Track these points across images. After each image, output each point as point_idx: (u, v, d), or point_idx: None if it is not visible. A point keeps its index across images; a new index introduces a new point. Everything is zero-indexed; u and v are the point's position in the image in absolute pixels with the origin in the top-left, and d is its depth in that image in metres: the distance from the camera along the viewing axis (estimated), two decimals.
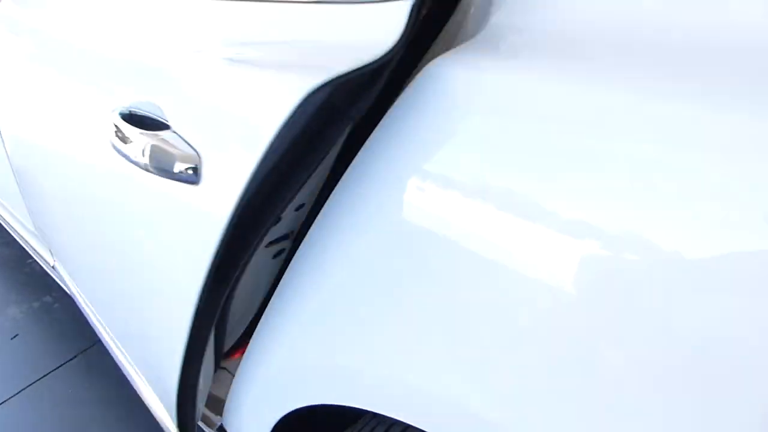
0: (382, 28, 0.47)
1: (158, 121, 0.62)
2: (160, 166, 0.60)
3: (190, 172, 0.57)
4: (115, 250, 0.81)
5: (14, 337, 1.60)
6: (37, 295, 1.80)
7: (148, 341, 0.84)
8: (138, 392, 1.04)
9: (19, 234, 1.60)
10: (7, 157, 1.30)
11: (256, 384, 0.74)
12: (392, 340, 0.50)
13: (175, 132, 0.58)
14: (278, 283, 0.64)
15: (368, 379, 0.54)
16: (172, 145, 0.58)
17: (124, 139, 0.65)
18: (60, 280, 1.43)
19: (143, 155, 0.61)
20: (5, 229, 1.90)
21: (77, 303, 1.31)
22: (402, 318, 0.49)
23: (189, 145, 0.57)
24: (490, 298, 0.42)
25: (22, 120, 1.05)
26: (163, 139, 0.59)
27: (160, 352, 0.80)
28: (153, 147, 0.59)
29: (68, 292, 1.40)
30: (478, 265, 0.42)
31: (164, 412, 0.94)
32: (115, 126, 0.66)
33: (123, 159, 0.66)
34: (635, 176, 0.35)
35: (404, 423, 0.58)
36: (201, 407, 0.83)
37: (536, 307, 0.39)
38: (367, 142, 0.50)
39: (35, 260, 1.95)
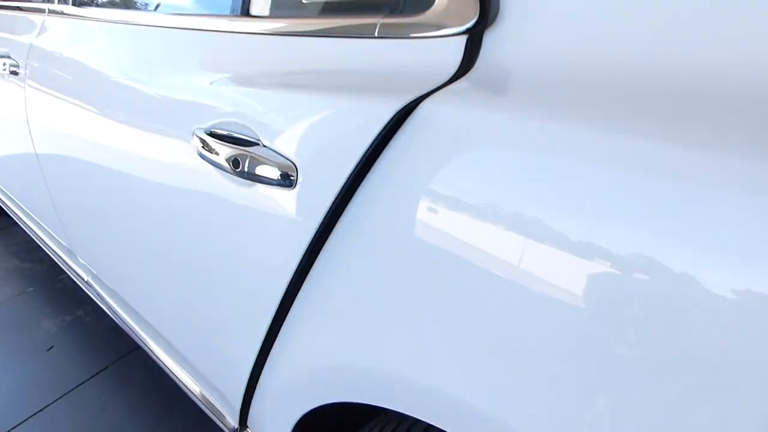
0: (443, 59, 0.55)
1: (241, 138, 0.70)
2: (259, 174, 0.68)
3: (287, 178, 0.65)
4: (192, 253, 0.87)
5: (50, 348, 1.66)
6: (69, 309, 1.87)
7: (222, 339, 0.89)
8: (189, 390, 1.10)
9: (54, 251, 1.66)
10: (45, 180, 1.39)
11: (279, 383, 0.78)
12: (411, 341, 0.54)
13: (266, 146, 0.67)
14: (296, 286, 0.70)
15: (387, 379, 0.58)
16: (268, 157, 0.67)
17: (211, 151, 0.73)
18: (93, 294, 1.50)
19: (240, 165, 0.70)
20: (39, 246, 1.99)
21: (114, 314, 1.38)
22: (421, 321, 0.53)
23: (283, 156, 0.65)
24: (501, 304, 0.46)
25: (81, 144, 1.12)
26: (257, 152, 0.68)
27: (235, 349, 0.85)
28: (251, 158, 0.68)
29: (102, 305, 1.47)
30: (488, 275, 0.46)
31: (220, 406, 1.00)
32: (202, 141, 0.75)
33: (209, 171, 0.75)
34: (610, 195, 0.40)
35: (412, 419, 0.63)
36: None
37: (543, 312, 0.43)
38: (378, 162, 0.56)
39: (66, 276, 2.04)
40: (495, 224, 0.46)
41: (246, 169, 0.69)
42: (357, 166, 0.57)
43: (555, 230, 0.42)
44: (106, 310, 1.45)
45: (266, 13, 0.79)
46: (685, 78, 0.42)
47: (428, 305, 0.52)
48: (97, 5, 1.17)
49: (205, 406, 1.06)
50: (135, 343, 1.61)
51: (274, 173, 0.66)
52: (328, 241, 0.63)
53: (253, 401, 0.87)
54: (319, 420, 0.79)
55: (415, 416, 0.56)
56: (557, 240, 0.42)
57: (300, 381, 0.73)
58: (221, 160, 0.72)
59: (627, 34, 0.45)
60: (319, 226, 0.62)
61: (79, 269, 1.51)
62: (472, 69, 0.54)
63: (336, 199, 0.59)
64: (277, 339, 0.75)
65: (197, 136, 0.76)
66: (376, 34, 0.61)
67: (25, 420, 1.41)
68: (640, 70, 0.45)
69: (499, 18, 0.53)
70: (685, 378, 0.36)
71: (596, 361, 0.40)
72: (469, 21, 0.53)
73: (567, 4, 0.48)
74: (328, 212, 0.60)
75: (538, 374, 0.44)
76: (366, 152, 0.56)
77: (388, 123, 0.54)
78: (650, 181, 0.38)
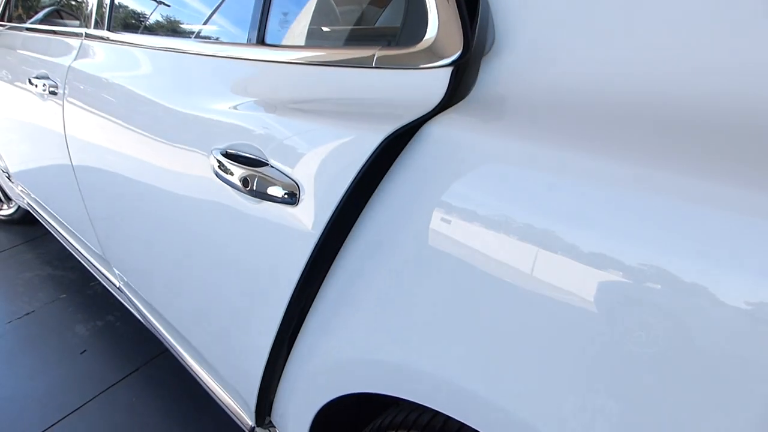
0: (430, 88, 0.60)
1: (253, 158, 0.76)
2: (266, 192, 0.74)
3: (291, 197, 0.71)
4: (210, 262, 0.94)
5: (83, 352, 1.73)
6: (100, 314, 1.95)
7: (236, 341, 0.95)
8: (210, 390, 1.16)
9: (86, 259, 1.74)
10: (80, 192, 1.48)
11: (302, 377, 0.83)
12: (429, 337, 0.58)
13: (273, 167, 0.73)
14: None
15: (406, 372, 0.62)
16: (275, 177, 0.73)
17: (227, 171, 0.80)
18: (124, 300, 1.57)
19: (249, 184, 0.76)
20: (71, 255, 2.08)
21: (143, 318, 1.44)
22: (438, 320, 0.57)
23: (287, 176, 0.71)
24: (499, 304, 0.50)
25: (112, 159, 1.19)
26: (265, 172, 0.74)
27: (248, 350, 0.91)
28: (260, 178, 0.75)
29: (132, 310, 1.53)
30: (499, 279, 0.50)
31: (238, 406, 1.05)
32: (218, 161, 0.81)
33: (225, 188, 0.82)
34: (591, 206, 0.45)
35: (417, 413, 0.67)
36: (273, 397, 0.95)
37: (549, 311, 0.46)
38: (387, 175, 0.62)
39: (97, 283, 2.12)
40: (486, 229, 0.51)
41: (255, 188, 0.76)
42: (349, 187, 0.63)
43: (551, 238, 0.46)
44: (137, 315, 1.51)
45: (278, 42, 0.85)
46: (678, 103, 0.46)
47: (437, 303, 0.57)
48: (132, 31, 1.25)
49: (225, 406, 1.12)
50: (163, 346, 1.70)
51: (279, 192, 0.72)
52: (343, 247, 0.69)
53: (276, 395, 0.93)
54: (333, 419, 0.85)
55: (427, 405, 0.60)
56: (554, 246, 0.46)
57: (320, 374, 0.78)
58: (235, 179, 0.79)
59: (612, 56, 0.50)
60: (319, 239, 0.68)
61: (111, 276, 1.58)
62: (468, 95, 0.59)
63: (332, 216, 0.66)
64: (299, 336, 0.81)
65: (214, 157, 0.82)
66: (373, 65, 0.66)
67: (61, 420, 1.47)
68: (631, 91, 0.49)
69: (495, 47, 0.58)
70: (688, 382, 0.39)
71: (604, 359, 0.43)
72: (454, 54, 0.58)
73: (558, 34, 0.53)
74: (326, 227, 0.67)
75: (549, 371, 0.47)
76: (357, 175, 0.62)
77: (376, 149, 0.60)
78: (642, 196, 0.42)
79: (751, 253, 0.36)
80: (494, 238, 0.51)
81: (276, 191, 0.73)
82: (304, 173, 0.70)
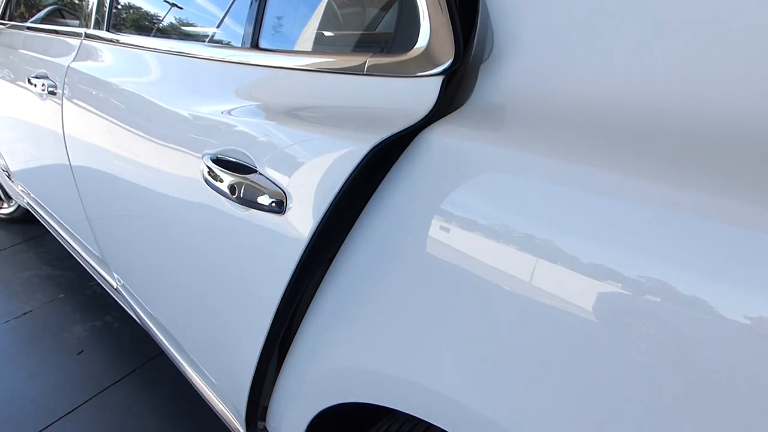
0: (420, 97, 0.59)
1: (242, 164, 0.75)
2: (253, 200, 0.73)
3: (278, 205, 0.70)
4: (200, 268, 0.93)
5: (80, 352, 1.73)
6: (98, 315, 1.95)
7: (226, 348, 0.95)
8: (203, 395, 1.16)
9: (85, 260, 1.74)
10: (78, 192, 1.47)
11: (296, 385, 0.82)
12: (423, 349, 0.57)
13: (262, 174, 0.72)
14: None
15: (400, 384, 0.61)
16: (262, 185, 0.72)
17: (216, 178, 0.79)
18: (122, 301, 1.56)
19: (236, 192, 0.75)
20: (71, 254, 2.07)
21: (140, 320, 1.44)
22: (433, 332, 0.56)
23: (275, 184, 0.70)
24: (504, 315, 0.49)
25: (106, 161, 1.19)
26: (253, 180, 0.73)
27: (237, 357, 0.90)
28: (246, 185, 0.74)
29: (130, 312, 1.53)
30: (496, 290, 0.49)
31: (229, 411, 1.05)
32: (208, 167, 0.80)
33: (216, 194, 0.81)
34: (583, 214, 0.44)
35: (414, 421, 0.66)
36: (265, 404, 0.94)
37: (539, 321, 0.46)
38: (382, 184, 0.61)
39: (96, 283, 2.12)
40: (478, 236, 0.50)
41: (242, 196, 0.75)
42: (337, 196, 0.62)
43: (549, 248, 0.46)
44: (134, 317, 1.51)
45: (272, 47, 0.84)
46: (680, 112, 0.45)
47: (433, 315, 0.56)
48: (132, 32, 1.25)
49: (216, 411, 1.12)
50: (160, 348, 1.69)
51: (266, 200, 0.72)
52: (338, 255, 0.68)
53: (271, 401, 0.93)
54: (328, 427, 0.84)
55: (421, 417, 0.59)
56: (552, 256, 0.45)
57: (314, 383, 0.77)
58: (223, 186, 0.78)
59: (613, 64, 0.49)
60: (306, 248, 0.67)
61: (109, 277, 1.58)
62: (466, 103, 0.58)
63: (319, 225, 0.65)
64: (293, 344, 0.80)
65: (204, 162, 0.82)
66: (364, 72, 0.65)
67: (57, 420, 1.47)
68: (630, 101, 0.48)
69: (494, 54, 0.57)
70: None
71: (604, 372, 0.43)
72: (445, 63, 0.57)
73: (558, 41, 0.52)
74: (313, 236, 0.66)
75: (539, 382, 0.47)
76: (345, 183, 0.61)
77: (364, 159, 0.59)
78: (641, 205, 0.42)
79: (750, 264, 0.36)
80: (490, 248, 0.50)
81: (263, 199, 0.72)
82: (291, 182, 0.69)
